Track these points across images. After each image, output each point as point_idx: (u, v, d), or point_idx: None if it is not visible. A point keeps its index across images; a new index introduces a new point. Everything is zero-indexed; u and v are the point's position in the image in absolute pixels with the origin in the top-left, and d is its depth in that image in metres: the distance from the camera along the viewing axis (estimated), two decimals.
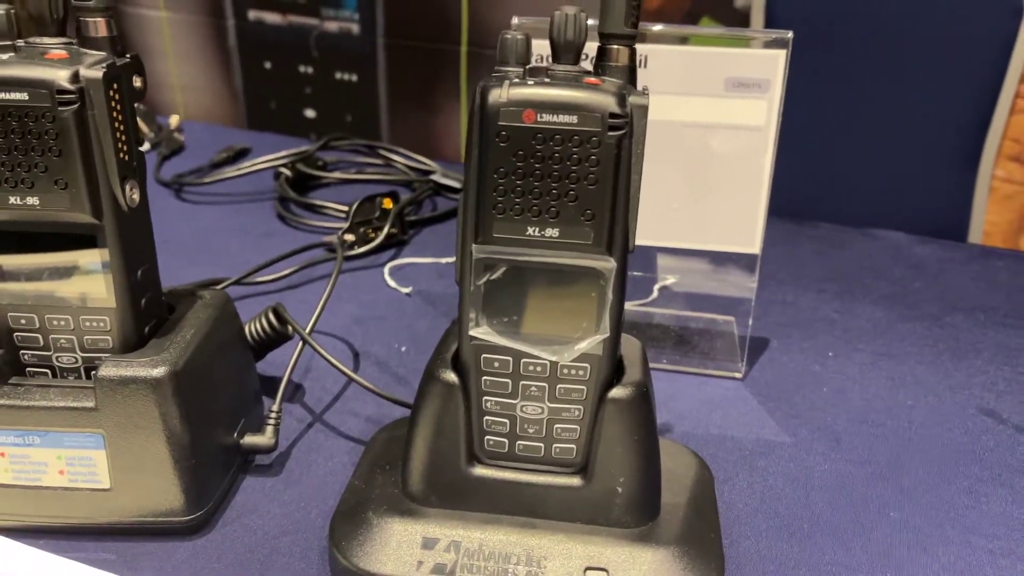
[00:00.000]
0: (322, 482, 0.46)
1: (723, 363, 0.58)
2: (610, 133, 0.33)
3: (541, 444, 0.38)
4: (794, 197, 0.87)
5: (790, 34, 0.51)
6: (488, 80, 0.34)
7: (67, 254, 0.39)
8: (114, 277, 0.39)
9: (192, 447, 0.41)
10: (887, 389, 0.57)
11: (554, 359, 0.36)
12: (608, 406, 0.37)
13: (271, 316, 0.51)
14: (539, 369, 0.37)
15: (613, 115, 0.33)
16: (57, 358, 0.41)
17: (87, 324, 0.40)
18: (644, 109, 0.34)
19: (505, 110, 0.33)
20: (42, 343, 0.41)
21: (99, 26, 0.38)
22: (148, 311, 0.42)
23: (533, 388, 0.37)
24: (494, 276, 0.36)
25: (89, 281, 0.40)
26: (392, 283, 0.70)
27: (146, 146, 0.99)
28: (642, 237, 0.38)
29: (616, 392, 0.37)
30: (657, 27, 0.52)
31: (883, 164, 1.20)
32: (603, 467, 0.37)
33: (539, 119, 0.33)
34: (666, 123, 0.53)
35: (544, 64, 0.35)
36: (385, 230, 0.74)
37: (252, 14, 1.92)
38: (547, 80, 0.34)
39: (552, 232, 0.34)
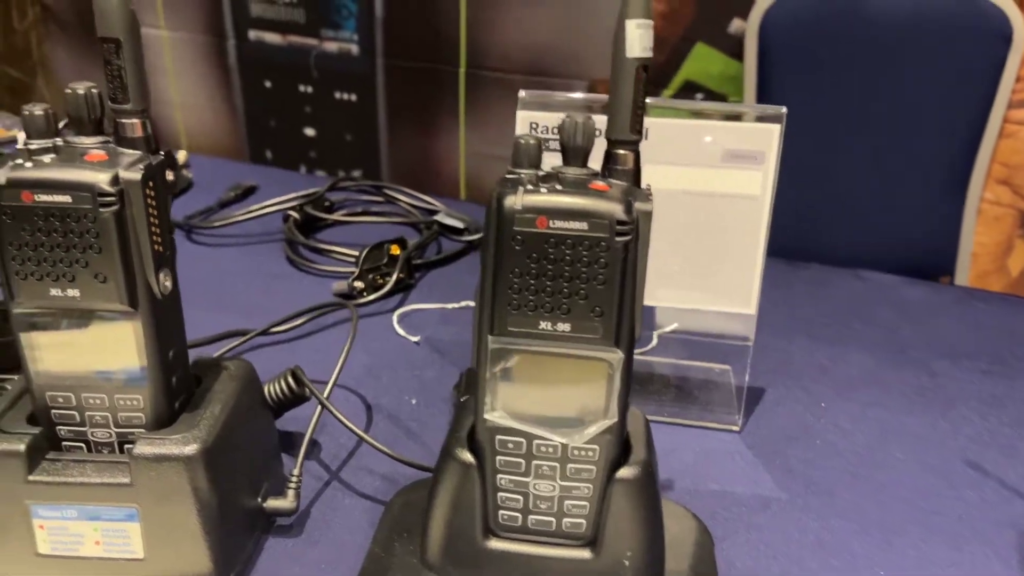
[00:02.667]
0: (341, 543, 0.48)
1: (721, 415, 0.61)
2: (617, 238, 0.35)
3: (552, 519, 0.41)
4: (786, 234, 0.90)
5: (784, 109, 0.54)
6: (503, 184, 0.37)
7: (104, 338, 0.41)
8: (148, 360, 0.42)
9: (221, 516, 0.43)
10: (878, 441, 0.59)
11: (565, 441, 0.39)
12: (617, 485, 0.39)
13: (290, 379, 0.53)
14: (551, 450, 0.39)
15: (620, 222, 0.35)
16: (92, 433, 0.43)
17: (121, 402, 0.43)
18: (648, 215, 0.36)
19: (520, 216, 0.36)
20: (78, 419, 0.43)
21: (135, 127, 0.40)
22: (178, 388, 0.44)
23: (545, 467, 0.40)
24: (508, 364, 0.38)
25: (124, 363, 0.42)
26: (401, 331, 0.72)
27: None
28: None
29: (624, 472, 0.39)
30: (660, 101, 0.55)
31: (873, 192, 1.23)
32: (611, 541, 0.40)
33: (551, 225, 0.36)
34: (666, 191, 0.56)
35: (557, 167, 0.38)
36: (394, 277, 0.76)
37: (253, 34, 1.94)
38: (558, 187, 0.36)
39: (564, 326, 0.37)
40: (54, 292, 0.39)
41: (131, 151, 0.40)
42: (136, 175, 0.38)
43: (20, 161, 0.38)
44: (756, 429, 0.60)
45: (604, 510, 0.40)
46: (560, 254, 0.36)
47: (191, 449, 0.42)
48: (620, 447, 0.40)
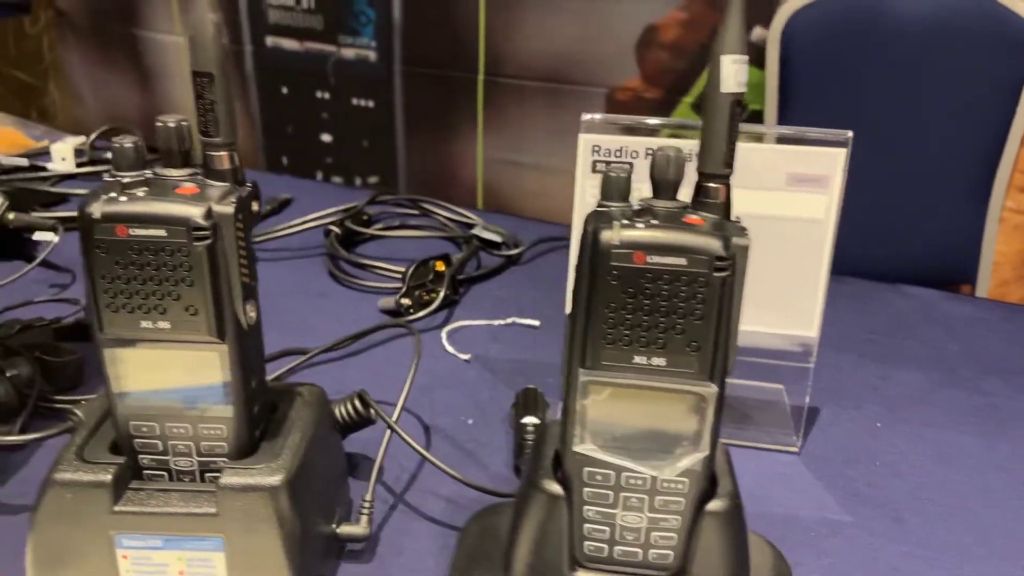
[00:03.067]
0: (414, 569, 0.48)
1: (778, 436, 0.61)
2: (716, 274, 0.36)
3: (639, 550, 0.41)
4: None
5: (850, 134, 0.54)
6: (597, 218, 0.37)
7: (189, 369, 0.41)
8: (232, 389, 0.42)
9: (303, 544, 0.43)
10: (936, 463, 0.59)
11: (655, 474, 0.39)
12: (707, 518, 0.39)
13: (357, 403, 0.53)
14: (640, 482, 0.39)
15: (719, 258, 0.35)
16: (174, 462, 0.43)
17: (205, 432, 0.43)
18: (745, 250, 0.36)
19: (617, 252, 0.36)
20: (161, 449, 0.43)
21: (223, 160, 0.40)
22: (259, 416, 0.44)
23: (633, 499, 0.40)
24: (599, 397, 0.38)
25: (209, 393, 0.42)
26: (451, 349, 0.72)
27: None
28: None
29: (715, 505, 0.39)
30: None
31: (893, 201, 1.23)
32: (699, 572, 0.40)
33: (649, 261, 0.36)
34: None
35: (647, 200, 0.38)
36: (442, 294, 0.76)
37: (270, 40, 1.94)
38: (654, 221, 0.36)
39: (659, 361, 0.37)
40: (144, 324, 0.39)
41: (219, 183, 0.40)
42: (229, 209, 0.39)
43: (114, 195, 0.38)
44: (814, 450, 0.60)
45: (693, 542, 0.40)
46: (657, 289, 0.36)
47: (277, 479, 0.42)
48: (709, 480, 0.40)
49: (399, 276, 0.82)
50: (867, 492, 0.56)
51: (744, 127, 0.55)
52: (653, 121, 0.56)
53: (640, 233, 0.36)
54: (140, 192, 0.38)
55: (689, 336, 0.36)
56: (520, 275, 0.88)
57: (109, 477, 0.41)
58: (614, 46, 1.51)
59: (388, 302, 0.77)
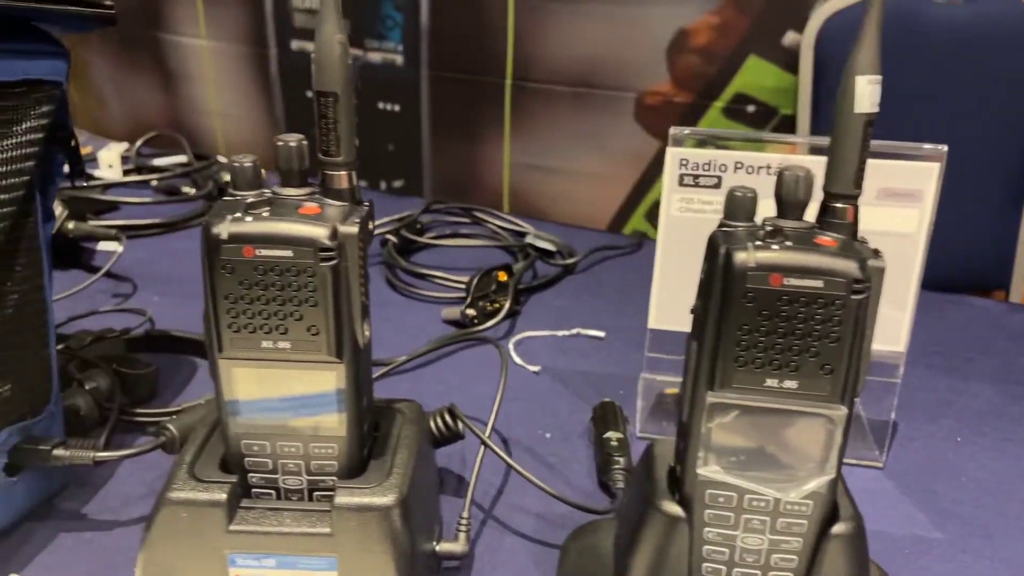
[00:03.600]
0: None
1: (861, 451, 0.60)
2: (853, 296, 0.35)
3: (758, 572, 0.40)
4: None
5: (945, 148, 0.54)
6: (728, 239, 0.37)
7: (304, 388, 0.41)
8: (346, 409, 0.42)
9: (412, 564, 0.43)
10: (1021, 478, 0.59)
11: (779, 496, 0.39)
12: (832, 541, 0.39)
13: (448, 418, 0.53)
14: (763, 505, 0.39)
15: (857, 280, 0.35)
16: (284, 481, 0.43)
17: (316, 451, 0.42)
18: (881, 272, 0.36)
19: (753, 273, 0.35)
20: (271, 467, 0.43)
21: (342, 180, 0.40)
22: (366, 434, 0.44)
23: (755, 521, 0.39)
24: (725, 419, 0.38)
25: (322, 412, 0.42)
26: (519, 360, 0.72)
27: None
28: None
29: (840, 528, 0.39)
30: (816, 139, 0.55)
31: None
32: None
33: (786, 283, 0.35)
34: None
35: (772, 220, 0.38)
36: (507, 305, 0.76)
37: (295, 44, 1.94)
38: (788, 243, 0.36)
39: (791, 384, 0.37)
40: (265, 344, 0.39)
41: (337, 203, 0.40)
42: (353, 229, 0.38)
43: (239, 214, 0.38)
44: (896, 465, 0.60)
45: (816, 565, 0.39)
46: (793, 312, 0.36)
47: (391, 499, 0.42)
48: (833, 503, 0.39)
49: (458, 286, 0.82)
50: (954, 508, 0.56)
51: (818, 140, 0.55)
52: (743, 135, 0.56)
53: (777, 255, 0.35)
54: (264, 212, 0.38)
55: (823, 359, 0.36)
56: (577, 284, 0.88)
57: (224, 496, 0.41)
58: (644, 50, 1.50)
59: (452, 312, 0.77)
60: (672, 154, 0.56)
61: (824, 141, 0.56)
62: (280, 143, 0.39)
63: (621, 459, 0.56)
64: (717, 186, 0.56)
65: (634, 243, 0.97)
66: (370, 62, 1.81)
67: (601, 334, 0.76)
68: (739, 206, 0.38)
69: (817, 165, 0.55)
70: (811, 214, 0.39)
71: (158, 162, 1.10)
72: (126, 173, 1.07)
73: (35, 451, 0.48)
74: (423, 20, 1.72)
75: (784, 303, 0.36)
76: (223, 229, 0.37)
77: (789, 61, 1.31)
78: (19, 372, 0.48)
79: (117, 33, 2.16)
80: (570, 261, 0.89)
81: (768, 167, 0.55)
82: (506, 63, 1.70)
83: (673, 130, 0.56)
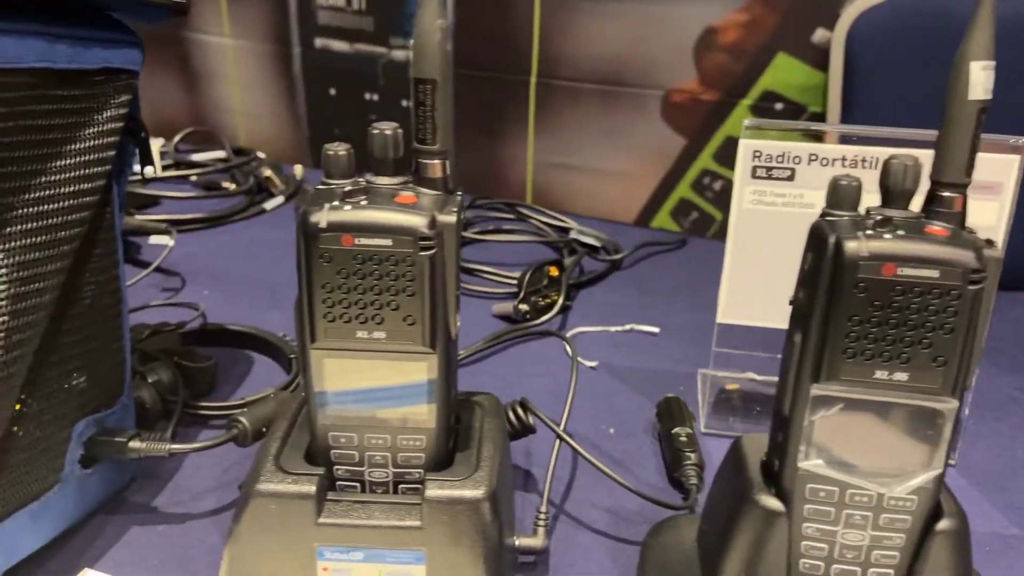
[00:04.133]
0: None
1: None
2: (970, 287, 0.35)
3: (858, 569, 0.40)
4: None
5: (1023, 140, 0.53)
6: (833, 228, 0.36)
7: (395, 379, 0.41)
8: (436, 400, 0.41)
9: (498, 558, 0.42)
10: None
11: (883, 491, 0.38)
12: (938, 538, 0.38)
13: (520, 411, 0.53)
14: (865, 500, 0.38)
15: (974, 271, 0.34)
16: (369, 473, 0.43)
17: (404, 443, 0.42)
18: (998, 262, 0.35)
19: (865, 263, 0.35)
20: (357, 459, 0.42)
21: (436, 168, 0.40)
22: (452, 427, 0.44)
23: (857, 517, 0.39)
24: (829, 412, 0.37)
25: (412, 403, 0.41)
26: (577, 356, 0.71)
27: (280, 199, 1.01)
28: None
29: (946, 525, 0.38)
30: (895, 130, 0.54)
31: None
32: None
33: (899, 273, 0.35)
34: None
35: (879, 209, 0.37)
36: (560, 300, 0.76)
37: (319, 42, 1.94)
38: (899, 232, 0.35)
39: (901, 376, 0.36)
40: (360, 334, 0.39)
41: (431, 191, 0.40)
42: (451, 218, 0.38)
43: (336, 203, 0.37)
44: (966, 462, 0.59)
45: (919, 562, 0.39)
46: (906, 302, 0.35)
47: (481, 492, 0.41)
48: (938, 499, 0.39)
49: (507, 281, 0.81)
50: None
51: (909, 133, 0.55)
52: (818, 126, 0.55)
53: (890, 244, 0.35)
54: (362, 201, 0.38)
55: (936, 350, 0.35)
56: (624, 280, 0.87)
57: (313, 488, 0.41)
58: (671, 48, 1.50)
59: (504, 307, 0.76)
60: (745, 146, 0.55)
61: (898, 133, 0.56)
62: (376, 131, 0.39)
63: (692, 454, 0.55)
64: (791, 179, 0.55)
65: (679, 239, 0.96)
66: (395, 60, 1.80)
67: (655, 330, 0.75)
68: (844, 195, 0.37)
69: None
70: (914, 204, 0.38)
71: (197, 157, 1.09)
72: (164, 169, 1.07)
73: (111, 443, 0.48)
74: (448, 18, 1.72)
75: (897, 293, 0.35)
76: (322, 218, 0.37)
77: (818, 59, 1.30)
78: (94, 363, 0.48)
79: (140, 31, 2.17)
80: (617, 257, 0.89)
81: (843, 159, 0.54)
82: (531, 61, 1.69)
83: (747, 122, 0.56)
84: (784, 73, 1.35)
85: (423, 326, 0.39)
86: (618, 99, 1.61)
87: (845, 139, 0.56)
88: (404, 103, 1.85)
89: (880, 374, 0.36)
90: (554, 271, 0.78)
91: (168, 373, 0.60)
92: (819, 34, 1.32)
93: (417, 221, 0.37)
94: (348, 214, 0.37)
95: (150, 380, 0.59)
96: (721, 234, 1.27)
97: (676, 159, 1.45)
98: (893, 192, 0.37)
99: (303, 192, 1.03)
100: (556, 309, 0.75)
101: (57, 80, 0.42)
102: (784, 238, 0.56)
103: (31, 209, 0.41)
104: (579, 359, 0.71)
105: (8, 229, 0.40)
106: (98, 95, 0.45)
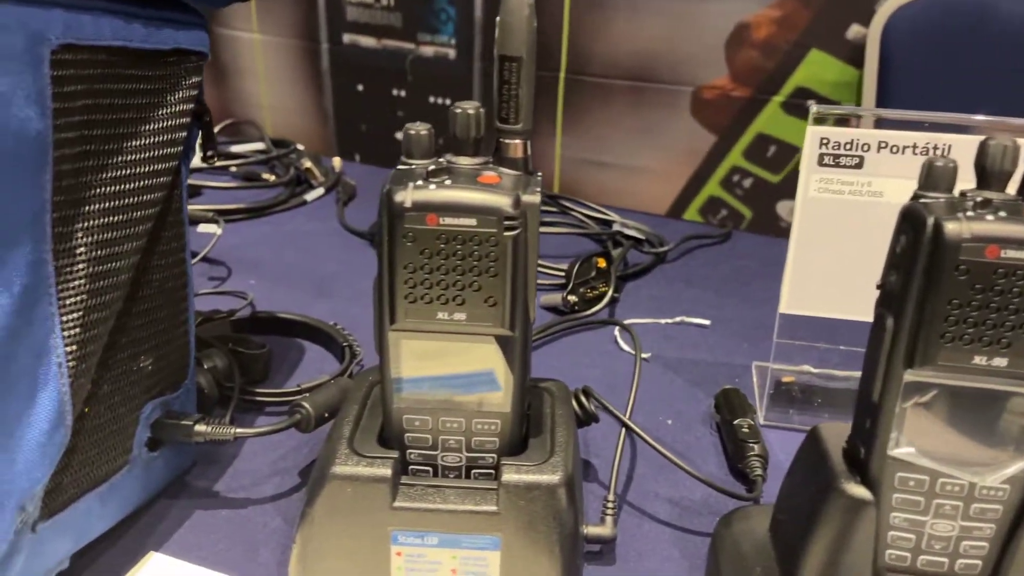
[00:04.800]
0: (659, 573, 0.47)
1: None
2: None
3: (946, 559, 0.39)
4: None
5: None
6: (929, 209, 0.35)
7: (473, 362, 0.40)
8: (512, 383, 0.41)
9: (575, 545, 0.42)
10: None
11: (975, 480, 0.37)
12: None
13: (583, 399, 0.52)
14: (956, 489, 0.37)
15: None
16: (442, 458, 0.42)
17: (479, 427, 0.42)
18: None
19: (967, 245, 0.34)
20: (431, 443, 0.42)
21: (517, 148, 0.39)
22: (526, 412, 0.43)
23: (947, 506, 0.38)
24: (923, 399, 0.37)
25: (488, 387, 0.41)
26: (626, 347, 0.70)
27: (320, 190, 1.01)
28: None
29: None
30: (991, 119, 0.53)
31: None
32: None
33: (1003, 255, 0.34)
34: None
35: (976, 191, 0.36)
36: (610, 292, 0.75)
37: (347, 38, 1.94)
38: (1002, 214, 0.35)
39: (1000, 362, 0.35)
40: (441, 315, 0.38)
41: (512, 172, 0.39)
42: (535, 198, 0.37)
43: (421, 183, 0.37)
44: None
45: (1008, 553, 0.38)
46: (1009, 285, 0.34)
47: (558, 477, 0.41)
48: None
49: (553, 272, 0.81)
50: None
51: (966, 118, 0.54)
52: (890, 113, 0.54)
53: (993, 226, 0.34)
54: (446, 180, 0.37)
55: None
56: (670, 273, 0.86)
57: (389, 472, 0.40)
58: (703, 44, 1.49)
59: (552, 299, 0.76)
60: (813, 133, 0.55)
61: (969, 120, 0.55)
62: (458, 110, 0.38)
63: (755, 445, 0.54)
64: (859, 166, 0.54)
65: (724, 233, 0.95)
66: (422, 56, 1.80)
67: (706, 322, 0.75)
68: (940, 176, 0.36)
69: (964, 144, 0.53)
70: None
71: (236, 149, 1.10)
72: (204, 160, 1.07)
73: (177, 426, 0.48)
74: (477, 14, 1.71)
75: (1000, 276, 0.34)
76: (406, 197, 0.36)
77: (853, 55, 1.29)
78: (161, 346, 0.48)
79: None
80: (662, 250, 0.88)
81: (914, 147, 0.53)
82: (560, 56, 1.68)
83: (815, 108, 0.55)
84: (817, 69, 1.33)
85: (504, 307, 0.38)
86: (648, 96, 1.60)
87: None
88: (431, 99, 1.85)
89: (979, 360, 0.35)
90: (602, 263, 0.78)
91: (224, 360, 0.60)
92: (854, 30, 1.31)
93: (502, 201, 0.37)
94: (433, 193, 0.37)
95: (206, 366, 0.58)
96: (751, 231, 1.26)
97: (706, 156, 1.44)
98: (990, 173, 0.36)
99: (344, 184, 1.03)
100: (605, 301, 0.75)
101: (133, 59, 0.42)
102: (851, 227, 0.56)
103: (109, 188, 0.41)
104: (630, 351, 0.70)
105: (87, 208, 0.39)
106: (170, 76, 0.45)
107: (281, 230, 0.92)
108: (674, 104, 1.51)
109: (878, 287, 0.39)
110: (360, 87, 1.92)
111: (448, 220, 0.36)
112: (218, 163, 1.06)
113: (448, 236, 0.37)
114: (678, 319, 0.75)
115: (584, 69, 1.66)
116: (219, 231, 0.79)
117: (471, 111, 0.38)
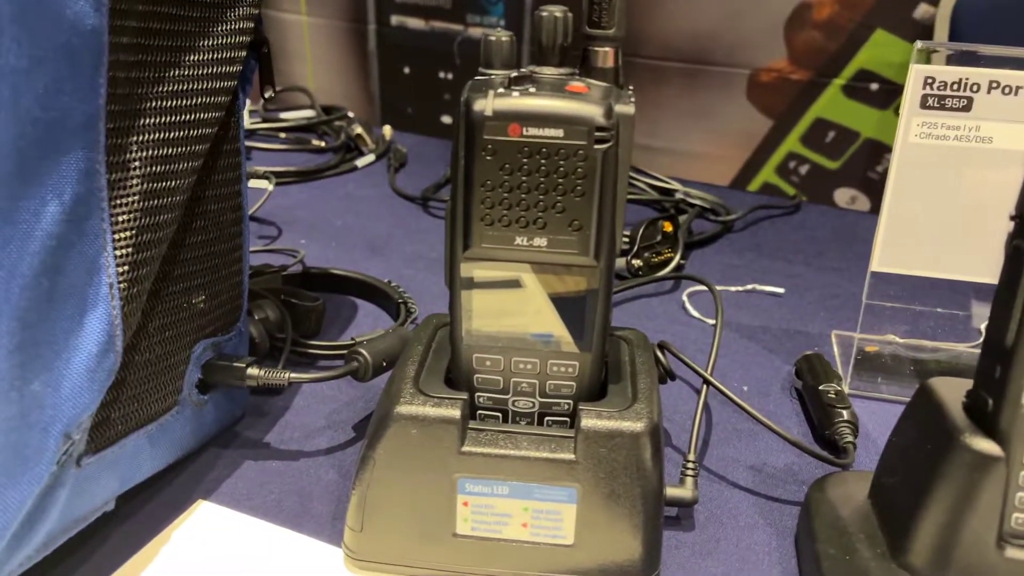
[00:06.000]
0: (743, 540, 0.43)
1: None
2: None
3: None
4: None
5: None
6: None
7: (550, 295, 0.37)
8: (596, 321, 0.37)
9: (656, 502, 0.38)
10: None
11: None
12: None
13: (659, 354, 0.48)
14: None
15: None
16: (514, 402, 0.39)
17: (554, 369, 0.38)
18: None
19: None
20: (502, 386, 0.39)
21: (608, 56, 0.36)
22: (605, 357, 0.40)
23: None
24: None
25: (568, 324, 0.37)
26: (695, 312, 0.66)
27: (371, 156, 0.99)
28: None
29: None
30: None
31: None
32: None
33: (525, 133, 0.33)
34: None
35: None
36: (677, 257, 0.71)
37: (395, 19, 1.92)
38: (532, 89, 0.33)
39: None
40: (519, 240, 0.35)
41: (600, 83, 0.35)
42: (630, 109, 0.34)
43: (502, 90, 0.34)
44: None
45: None
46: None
47: (642, 425, 0.37)
48: None
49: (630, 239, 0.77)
50: None
51: None
52: (1005, 50, 0.50)
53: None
54: (530, 88, 0.34)
55: None
56: (736, 242, 0.82)
57: (457, 413, 0.37)
58: (761, 25, 1.43)
59: (618, 263, 0.72)
60: (916, 72, 0.50)
61: None
62: (544, 13, 0.35)
63: (844, 411, 0.50)
64: (967, 108, 0.50)
65: (794, 203, 0.90)
66: (471, 38, 1.77)
67: (780, 290, 0.70)
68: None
69: None
70: None
71: (286, 115, 1.08)
72: (253, 124, 1.06)
73: (230, 368, 0.45)
74: None
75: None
76: (487, 105, 0.33)
77: (920, 35, 1.22)
78: (215, 284, 0.45)
79: None
80: (729, 218, 0.83)
81: None
82: None
83: (919, 44, 0.50)
84: (882, 51, 1.27)
85: (589, 233, 0.35)
86: (702, 78, 1.55)
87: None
88: None
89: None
90: (668, 227, 0.74)
91: (275, 311, 0.57)
92: (922, 9, 1.25)
93: (593, 111, 0.33)
94: (516, 101, 0.33)
95: (257, 317, 0.56)
96: None
97: (761, 141, 1.38)
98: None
99: (395, 150, 1.00)
100: (672, 266, 0.71)
101: None
102: (956, 176, 0.51)
103: (165, 103, 0.38)
104: (699, 317, 0.66)
105: (142, 121, 0.37)
106: None
107: (332, 194, 0.90)
108: (729, 87, 1.46)
109: (1011, 218, 0.34)
110: (407, 69, 1.90)
111: (532, 131, 0.33)
112: (269, 126, 1.05)
113: (532, 149, 0.33)
114: (750, 287, 0.71)
115: (638, 51, 1.61)
116: (271, 187, 0.76)
117: (558, 14, 0.35)
